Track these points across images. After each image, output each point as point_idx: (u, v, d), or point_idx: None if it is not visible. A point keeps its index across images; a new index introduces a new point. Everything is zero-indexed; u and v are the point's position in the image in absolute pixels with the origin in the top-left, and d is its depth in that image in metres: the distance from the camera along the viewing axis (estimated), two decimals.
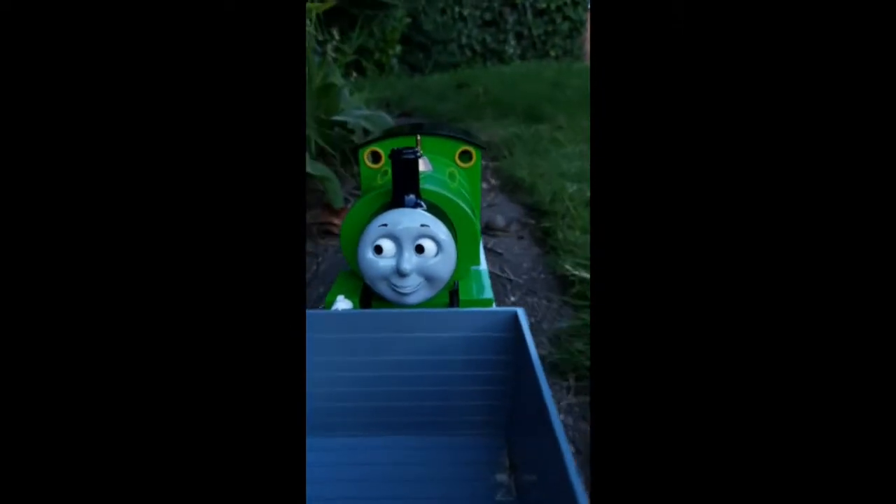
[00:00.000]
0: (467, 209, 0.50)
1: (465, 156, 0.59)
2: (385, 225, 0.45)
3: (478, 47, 4.49)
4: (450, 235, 0.46)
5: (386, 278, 0.46)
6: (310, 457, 0.42)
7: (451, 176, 0.55)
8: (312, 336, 0.41)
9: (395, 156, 0.45)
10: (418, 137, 0.56)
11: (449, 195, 0.49)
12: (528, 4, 4.32)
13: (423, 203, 0.47)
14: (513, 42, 4.43)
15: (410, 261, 0.45)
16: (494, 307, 0.46)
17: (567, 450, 0.26)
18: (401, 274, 0.45)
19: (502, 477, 0.40)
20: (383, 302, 0.49)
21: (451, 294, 0.51)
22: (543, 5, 4.32)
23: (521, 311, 0.40)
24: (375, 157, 0.58)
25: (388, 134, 0.58)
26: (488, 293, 0.51)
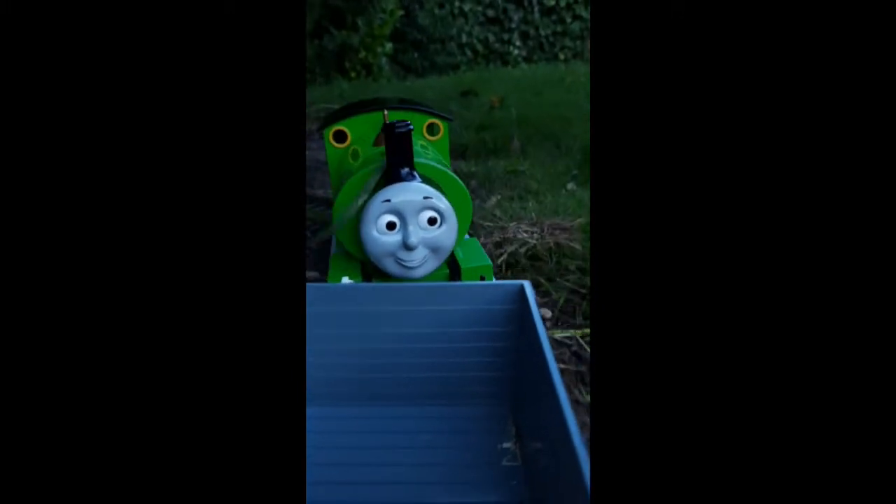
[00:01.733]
0: (457, 178, 0.51)
1: (433, 128, 0.58)
2: (388, 200, 0.45)
3: (479, 47, 4.00)
4: (450, 205, 0.46)
5: (392, 254, 0.46)
6: (320, 425, 0.42)
7: (424, 148, 0.55)
8: (325, 309, 0.41)
9: (388, 129, 0.45)
10: (385, 112, 0.54)
11: (438, 166, 0.50)
12: (534, 1, 3.83)
13: (416, 175, 0.47)
14: (518, 42, 3.94)
15: (417, 234, 0.45)
16: (500, 280, 0.47)
17: (571, 416, 0.27)
18: (408, 248, 0.45)
19: (508, 444, 0.40)
20: (385, 278, 0.49)
21: (450, 264, 0.51)
22: (552, 3, 3.84)
23: (527, 284, 0.40)
24: (340, 137, 0.56)
25: (352, 110, 0.56)
26: (486, 259, 0.52)
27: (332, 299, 0.41)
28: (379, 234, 0.46)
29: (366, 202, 0.46)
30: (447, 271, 0.51)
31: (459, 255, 0.52)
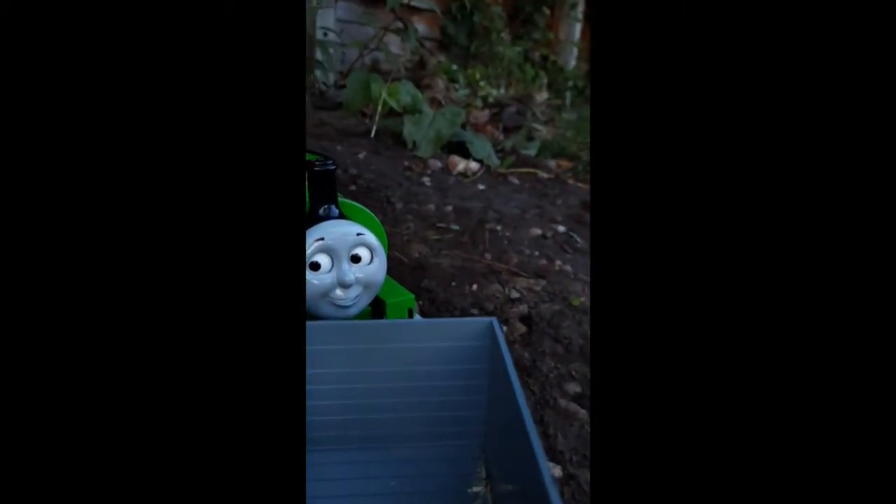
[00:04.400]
0: (371, 213, 0.50)
1: None
2: (321, 239, 0.42)
3: None
4: (378, 240, 0.46)
5: (326, 294, 0.43)
6: None
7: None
8: None
9: (310, 168, 0.45)
10: None
11: (353, 203, 0.50)
12: None
13: (338, 212, 0.46)
14: None
15: (352, 271, 0.43)
16: (469, 318, 0.45)
17: (542, 458, 0.26)
18: (344, 286, 0.43)
19: (479, 488, 0.39)
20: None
21: (373, 300, 0.48)
22: None
23: (495, 321, 0.39)
24: None
25: None
26: (407, 292, 0.50)
27: None
28: (311, 275, 0.42)
29: None
30: (369, 308, 0.48)
31: (380, 291, 0.49)
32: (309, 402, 0.40)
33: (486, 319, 0.39)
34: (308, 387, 0.40)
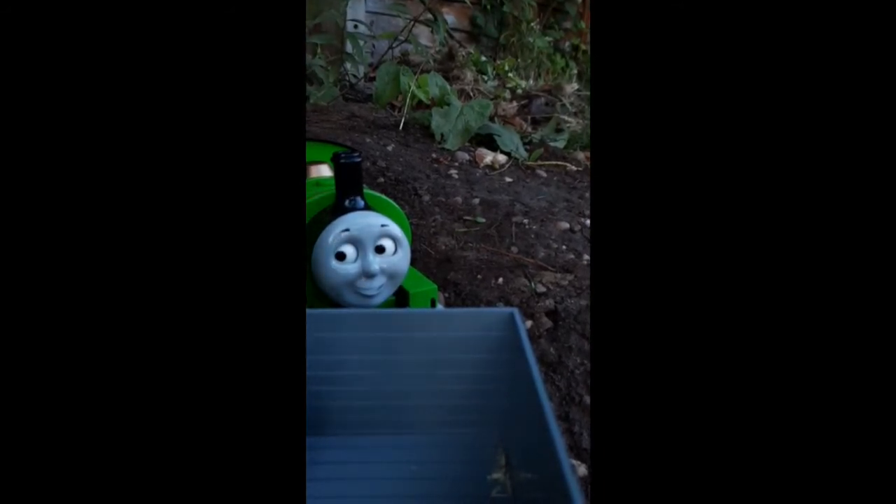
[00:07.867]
0: (396, 205, 0.51)
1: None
2: (347, 230, 0.44)
3: None
4: (402, 231, 0.47)
5: (351, 283, 0.45)
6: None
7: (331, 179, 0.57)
8: (309, 335, 0.40)
9: (337, 159, 0.46)
10: None
11: (378, 195, 0.51)
12: None
13: (364, 203, 0.47)
14: None
15: (376, 261, 0.45)
16: (490, 308, 0.51)
17: (562, 447, 0.27)
18: (369, 276, 0.45)
19: (498, 475, 0.39)
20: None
21: (397, 290, 0.49)
22: None
23: (516, 312, 0.40)
24: None
25: None
26: (430, 283, 0.51)
27: (317, 326, 0.39)
28: (338, 264, 0.44)
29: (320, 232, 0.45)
30: (393, 298, 0.49)
31: (403, 280, 0.49)
32: (332, 388, 0.41)
33: (507, 310, 0.40)
34: (331, 373, 0.41)
